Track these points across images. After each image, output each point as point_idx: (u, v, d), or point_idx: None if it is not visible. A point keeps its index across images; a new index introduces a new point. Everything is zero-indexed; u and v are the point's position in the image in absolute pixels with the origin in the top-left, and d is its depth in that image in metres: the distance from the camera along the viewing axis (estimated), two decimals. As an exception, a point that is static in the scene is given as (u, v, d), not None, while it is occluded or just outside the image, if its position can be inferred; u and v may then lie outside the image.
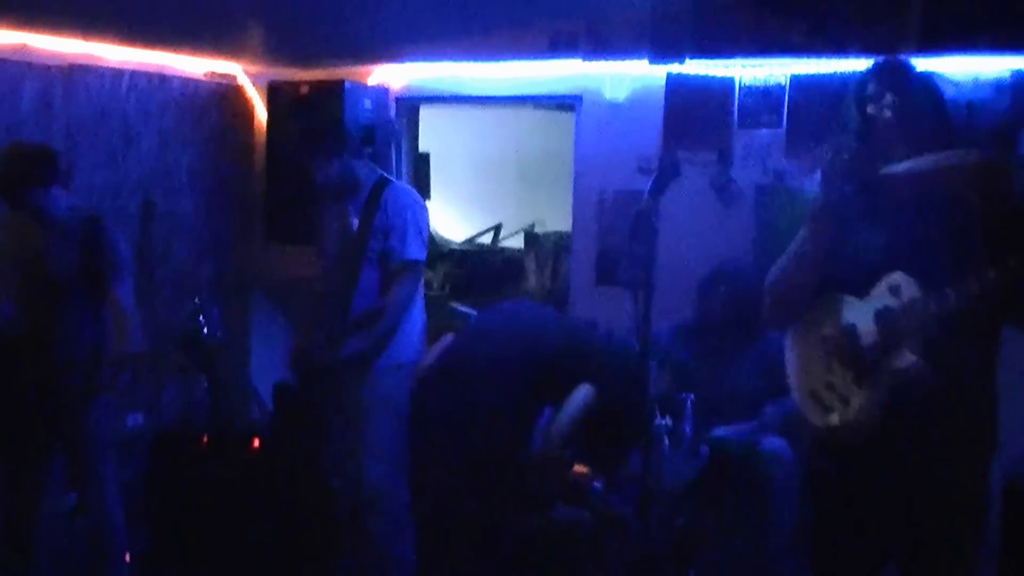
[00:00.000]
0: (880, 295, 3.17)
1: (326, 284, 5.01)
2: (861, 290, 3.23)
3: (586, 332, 4.66)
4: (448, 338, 4.84)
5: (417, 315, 5.02)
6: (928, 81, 3.34)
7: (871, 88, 3.29)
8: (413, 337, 4.99)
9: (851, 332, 3.22)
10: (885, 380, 3.15)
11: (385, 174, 5.04)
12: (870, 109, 3.27)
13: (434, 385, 4.61)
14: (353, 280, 4.81)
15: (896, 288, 3.13)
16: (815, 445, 3.46)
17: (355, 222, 4.88)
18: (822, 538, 3.46)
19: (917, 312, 3.06)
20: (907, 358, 3.10)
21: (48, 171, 4.54)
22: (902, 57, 3.50)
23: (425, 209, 5.02)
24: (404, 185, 5.10)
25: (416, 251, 4.86)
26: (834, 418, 3.27)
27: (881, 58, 3.41)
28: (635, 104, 6.19)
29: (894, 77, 3.29)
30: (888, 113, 3.23)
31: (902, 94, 3.24)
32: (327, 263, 5.04)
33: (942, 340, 3.05)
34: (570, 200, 6.56)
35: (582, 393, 4.46)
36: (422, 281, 5.14)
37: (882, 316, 3.15)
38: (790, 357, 3.46)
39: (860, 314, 3.21)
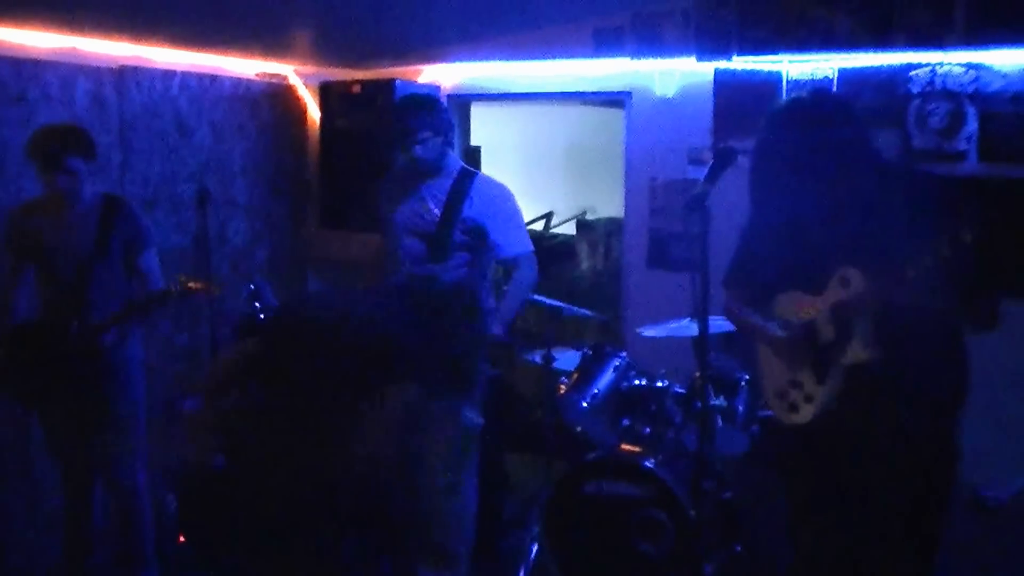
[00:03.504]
0: (834, 290, 3.30)
1: (391, 262, 5.01)
2: (818, 287, 3.35)
3: None
4: None
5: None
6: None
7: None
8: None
9: (811, 329, 3.36)
10: (841, 372, 3.29)
11: (467, 166, 5.06)
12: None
13: None
14: (442, 259, 4.84)
15: (846, 281, 3.25)
16: (785, 439, 3.60)
17: (432, 206, 4.90)
18: (801, 522, 3.59)
19: (862, 302, 3.20)
20: (857, 352, 3.24)
21: (85, 142, 4.75)
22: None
23: (514, 198, 5.05)
24: (491, 177, 5.06)
25: (524, 244, 4.96)
26: (800, 416, 3.41)
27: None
28: (684, 99, 6.21)
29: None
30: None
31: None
32: (395, 242, 5.01)
33: (892, 328, 3.18)
34: (619, 191, 6.61)
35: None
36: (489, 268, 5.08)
37: (835, 311, 3.28)
38: (760, 357, 3.61)
39: (816, 311, 3.35)
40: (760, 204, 3.54)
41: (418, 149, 4.84)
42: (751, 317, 3.61)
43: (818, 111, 3.38)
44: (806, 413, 3.39)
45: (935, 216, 3.03)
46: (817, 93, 3.64)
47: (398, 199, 5.02)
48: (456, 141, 7.05)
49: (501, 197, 4.97)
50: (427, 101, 4.95)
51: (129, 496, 4.92)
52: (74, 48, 5.59)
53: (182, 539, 5.09)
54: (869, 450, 3.31)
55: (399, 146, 4.92)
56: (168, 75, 6.10)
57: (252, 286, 5.04)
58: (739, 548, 4.79)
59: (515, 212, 4.99)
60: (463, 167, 5.02)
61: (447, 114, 4.97)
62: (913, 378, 3.23)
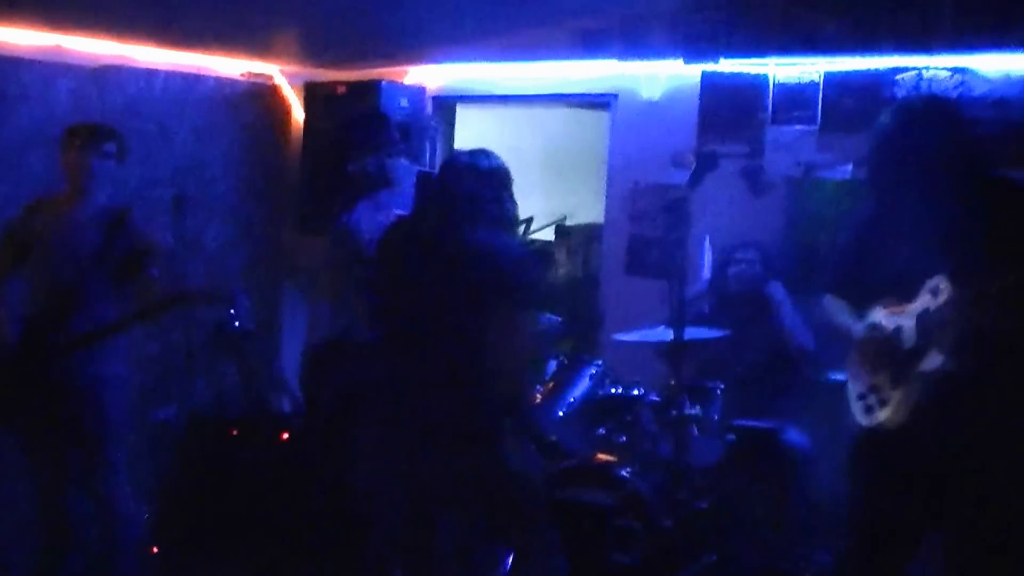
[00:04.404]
0: (923, 298, 3.34)
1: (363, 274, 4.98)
2: (909, 295, 3.40)
3: None
4: None
5: None
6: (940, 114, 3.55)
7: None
8: None
9: (895, 336, 3.42)
10: (919, 380, 3.33)
11: (427, 169, 5.22)
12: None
13: None
14: None
15: (936, 290, 3.30)
16: (858, 441, 3.62)
17: (398, 214, 4.91)
18: (866, 524, 3.61)
19: (950, 311, 3.23)
20: (935, 359, 3.27)
21: (121, 137, 4.85)
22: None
23: None
24: None
25: None
26: (874, 419, 3.46)
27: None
28: (670, 102, 6.18)
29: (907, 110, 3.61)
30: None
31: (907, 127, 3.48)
32: (364, 254, 4.96)
33: (974, 336, 3.21)
34: (601, 195, 6.58)
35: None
36: None
37: (921, 318, 3.33)
38: (848, 360, 3.65)
39: (906, 318, 3.39)
40: (864, 210, 3.67)
41: (352, 166, 4.99)
42: (838, 316, 3.67)
43: (927, 119, 3.45)
44: (879, 416, 3.45)
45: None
46: (927, 101, 3.84)
47: (364, 213, 5.06)
48: (440, 144, 7.05)
49: None
50: (361, 119, 5.21)
51: (106, 509, 4.84)
52: (57, 46, 5.56)
53: (155, 550, 5.11)
54: (940, 460, 3.35)
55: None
56: (151, 75, 6.07)
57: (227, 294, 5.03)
58: (714, 557, 4.77)
59: None
60: (423, 173, 5.09)
61: (383, 129, 5.09)
62: (996, 395, 3.27)
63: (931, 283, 3.32)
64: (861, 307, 3.58)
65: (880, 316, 3.49)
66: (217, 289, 5.10)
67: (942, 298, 3.27)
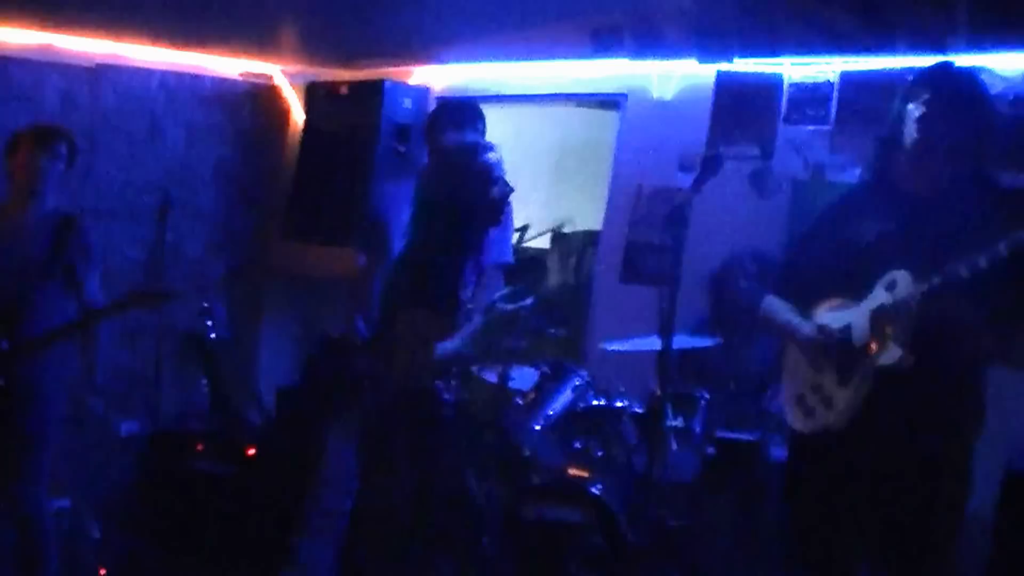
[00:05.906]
0: (878, 294, 3.22)
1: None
2: (863, 291, 3.27)
3: None
4: None
5: None
6: (977, 97, 3.39)
7: (916, 89, 3.38)
8: None
9: (846, 332, 3.28)
10: (870, 375, 3.20)
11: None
12: (910, 107, 3.35)
13: None
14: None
15: (892, 284, 3.19)
16: (795, 449, 3.57)
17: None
18: (802, 538, 3.51)
19: (907, 305, 3.13)
20: (893, 352, 3.15)
21: (73, 140, 4.78)
22: (959, 68, 3.61)
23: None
24: None
25: (510, 254, 4.99)
26: (815, 421, 3.33)
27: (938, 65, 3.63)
28: (683, 102, 6.03)
29: (942, 83, 3.37)
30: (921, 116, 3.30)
31: (942, 102, 3.29)
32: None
33: (928, 331, 3.11)
34: (604, 198, 6.42)
35: None
36: None
37: (876, 314, 3.21)
38: (785, 361, 3.54)
39: (858, 314, 3.26)
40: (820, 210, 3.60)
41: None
42: (782, 315, 3.52)
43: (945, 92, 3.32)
44: (822, 419, 3.31)
45: (993, 226, 3.03)
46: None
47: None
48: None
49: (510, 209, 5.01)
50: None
51: (31, 521, 4.68)
52: (49, 45, 5.47)
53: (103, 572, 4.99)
54: (890, 461, 3.23)
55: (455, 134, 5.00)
56: (147, 74, 5.95)
57: (206, 304, 4.93)
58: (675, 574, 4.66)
59: (512, 221, 5.04)
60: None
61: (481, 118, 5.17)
62: (943, 393, 3.19)
63: (886, 278, 3.20)
64: (807, 307, 3.44)
65: (825, 314, 3.36)
66: (174, 288, 4.97)
67: (900, 293, 3.15)
